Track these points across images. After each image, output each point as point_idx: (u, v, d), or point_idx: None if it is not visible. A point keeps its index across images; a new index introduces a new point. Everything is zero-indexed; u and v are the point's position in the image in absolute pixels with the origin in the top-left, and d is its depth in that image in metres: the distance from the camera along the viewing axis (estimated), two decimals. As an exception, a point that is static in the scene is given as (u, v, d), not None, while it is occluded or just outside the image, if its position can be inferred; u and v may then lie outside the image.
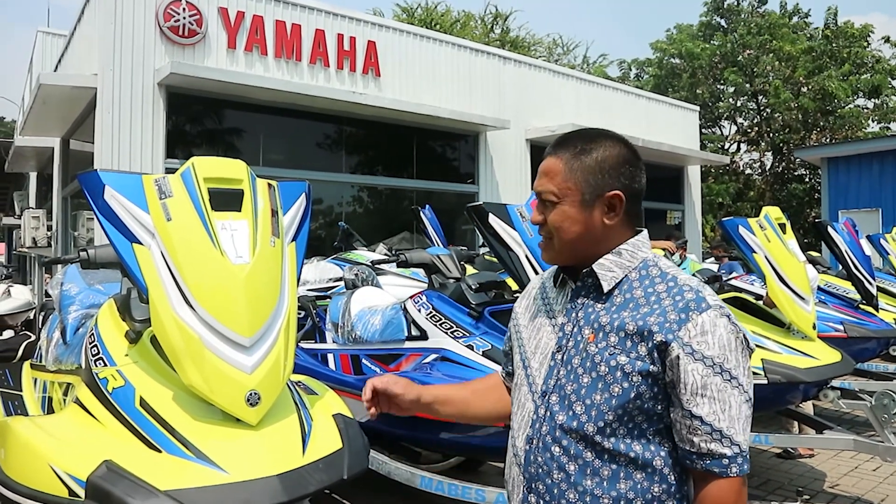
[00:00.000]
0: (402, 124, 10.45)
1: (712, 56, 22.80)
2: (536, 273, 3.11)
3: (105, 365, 2.36)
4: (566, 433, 1.33)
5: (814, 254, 7.77)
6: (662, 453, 1.30)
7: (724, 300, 4.62)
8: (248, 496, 1.96)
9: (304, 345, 4.67)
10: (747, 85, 22.29)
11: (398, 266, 4.04)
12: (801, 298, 4.26)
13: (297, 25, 9.37)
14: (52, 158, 12.12)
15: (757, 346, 4.13)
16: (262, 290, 2.28)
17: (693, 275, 4.90)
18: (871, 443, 3.97)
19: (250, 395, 2.14)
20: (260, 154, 9.34)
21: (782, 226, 4.47)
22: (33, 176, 16.01)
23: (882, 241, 7.44)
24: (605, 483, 1.30)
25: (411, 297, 3.81)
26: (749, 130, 24.23)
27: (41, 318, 4.58)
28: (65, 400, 2.70)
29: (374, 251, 6.69)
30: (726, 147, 24.31)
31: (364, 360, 4.04)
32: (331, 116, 9.87)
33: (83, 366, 2.47)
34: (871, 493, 4.44)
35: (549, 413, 1.36)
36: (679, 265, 5.09)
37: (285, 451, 2.14)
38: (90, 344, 2.48)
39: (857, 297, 5.89)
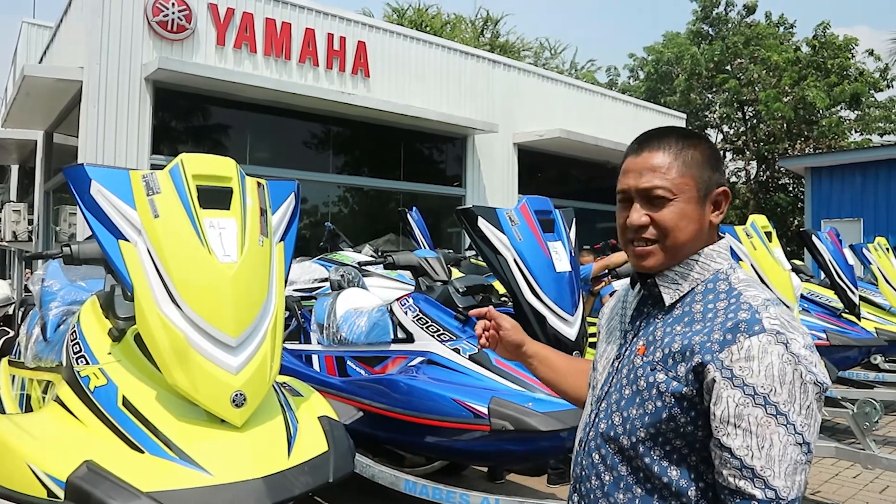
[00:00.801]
0: (390, 125, 10.43)
1: (708, 62, 22.96)
2: (525, 277, 3.11)
3: (87, 363, 2.32)
4: (605, 442, 1.29)
5: (797, 262, 7.83)
6: (701, 485, 1.20)
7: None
8: (232, 498, 1.93)
9: (288, 345, 4.63)
10: (744, 90, 22.46)
11: (385, 268, 4.01)
12: (786, 306, 4.28)
13: (287, 24, 9.33)
14: (34, 151, 11.97)
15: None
16: (250, 289, 2.25)
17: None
18: (853, 450, 4.00)
19: (236, 395, 2.11)
20: (247, 152, 9.28)
21: (768, 234, 4.50)
22: (15, 168, 15.81)
23: (864, 250, 7.51)
24: (636, 501, 1.24)
25: (398, 300, 3.79)
26: (735, 139, 24.43)
27: (20, 313, 4.51)
28: (44, 398, 2.66)
29: (360, 252, 6.66)
30: (712, 156, 24.41)
31: (349, 362, 4.01)
32: (319, 116, 9.83)
33: (64, 363, 2.43)
34: (852, 500, 4.48)
35: (596, 419, 1.33)
36: None
37: (270, 454, 2.12)
38: (72, 341, 2.44)
39: (840, 305, 5.95)
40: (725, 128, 25.02)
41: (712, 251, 1.29)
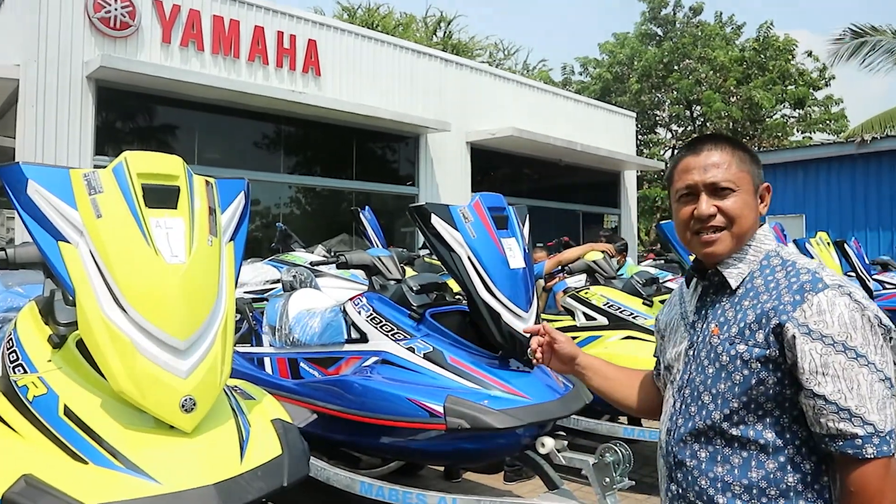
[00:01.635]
0: (342, 125, 10.34)
1: (658, 62, 23.38)
2: (479, 274, 3.10)
3: (25, 372, 2.21)
4: (697, 422, 1.37)
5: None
6: (797, 441, 1.29)
7: (660, 301, 4.78)
8: (182, 507, 1.87)
9: (239, 348, 4.54)
10: (692, 89, 22.92)
11: (338, 267, 3.96)
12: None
13: (236, 21, 9.16)
14: (-31, 153, 11.50)
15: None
16: (199, 290, 2.18)
17: (630, 278, 5.02)
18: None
19: (185, 400, 2.04)
20: (195, 152, 9.08)
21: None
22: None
23: (807, 245, 7.72)
24: (735, 471, 1.32)
25: (351, 299, 3.74)
26: (684, 138, 24.95)
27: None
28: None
29: (312, 253, 6.57)
30: (662, 153, 24.96)
31: (302, 364, 3.95)
32: (269, 115, 9.68)
33: (0, 373, 2.32)
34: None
35: (683, 405, 1.42)
36: (617, 270, 5.17)
37: (222, 459, 2.06)
38: (8, 350, 2.33)
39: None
40: (675, 126, 25.54)
41: (760, 235, 1.43)
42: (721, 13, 24.42)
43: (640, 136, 23.09)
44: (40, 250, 2.12)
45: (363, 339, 3.56)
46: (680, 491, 1.41)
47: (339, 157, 10.85)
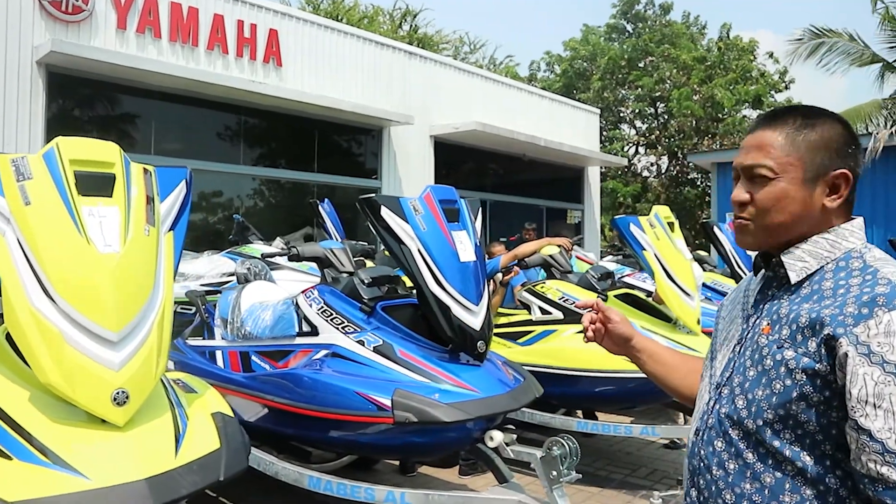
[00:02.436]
0: (304, 116, 10.22)
1: (620, 58, 23.61)
2: (429, 267, 3.08)
3: (-50, 364, 2.14)
4: (729, 427, 1.22)
5: (702, 253, 8.13)
6: (839, 472, 1.11)
7: (614, 296, 4.83)
8: (112, 502, 1.82)
9: (191, 341, 4.46)
10: (656, 87, 23.21)
11: (290, 260, 3.90)
12: (687, 295, 4.43)
13: (195, 9, 8.98)
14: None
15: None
16: (134, 281, 2.13)
17: (586, 272, 5.05)
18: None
19: (117, 393, 1.99)
20: (152, 142, 8.88)
21: (671, 224, 4.64)
22: None
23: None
24: (766, 491, 1.15)
25: (303, 292, 3.70)
26: (648, 134, 25.24)
27: None
28: None
29: (270, 245, 6.49)
30: (626, 149, 25.24)
31: (253, 357, 3.89)
32: (229, 105, 9.52)
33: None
34: None
35: (717, 405, 1.26)
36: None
37: (155, 453, 2.01)
38: (-68, 342, 2.25)
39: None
40: (639, 123, 25.84)
41: (844, 230, 1.23)
42: (689, 13, 24.85)
43: (604, 133, 23.29)
44: (-36, 238, 2.05)
45: (314, 332, 3.52)
46: (701, 499, 1.26)
47: (300, 150, 10.73)
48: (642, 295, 5.15)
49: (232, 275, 5.65)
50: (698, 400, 1.36)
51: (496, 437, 3.04)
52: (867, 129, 13.53)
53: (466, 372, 3.11)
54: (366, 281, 3.47)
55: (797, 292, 1.21)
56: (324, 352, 3.37)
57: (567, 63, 25.35)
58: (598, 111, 17.90)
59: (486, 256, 5.89)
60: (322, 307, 3.48)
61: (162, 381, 2.36)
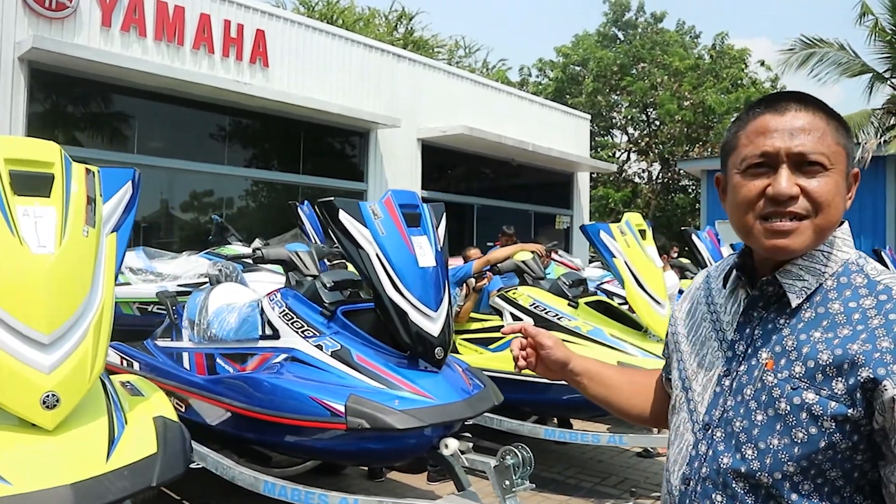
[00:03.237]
0: (291, 118, 10.19)
1: (612, 64, 23.66)
2: (387, 272, 3.05)
3: None
4: (733, 480, 1.05)
5: (684, 260, 8.12)
6: None
7: (586, 303, 4.81)
8: (35, 508, 1.79)
9: (160, 343, 4.43)
10: (648, 93, 23.25)
11: (255, 262, 3.88)
12: (657, 303, 4.41)
13: (181, 8, 8.94)
14: None
15: (612, 347, 4.24)
16: (69, 282, 2.10)
17: (557, 279, 5.03)
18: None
19: (47, 396, 1.96)
20: (135, 141, 8.83)
21: (642, 232, 4.62)
22: None
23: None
24: None
25: (268, 295, 3.67)
26: (639, 141, 25.27)
27: None
28: None
29: (249, 246, 6.45)
30: (617, 155, 25.27)
31: (219, 360, 3.86)
32: (214, 106, 9.48)
33: None
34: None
35: (711, 452, 1.09)
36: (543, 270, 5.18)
37: (85, 458, 1.98)
38: None
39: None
40: (630, 129, 25.86)
41: (836, 238, 1.08)
42: (684, 22, 24.93)
43: (595, 139, 23.32)
44: None
45: (275, 335, 3.49)
46: None
47: (286, 151, 10.69)
48: (617, 303, 5.13)
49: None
50: (676, 438, 1.19)
51: (451, 445, 3.01)
52: (857, 139, 13.55)
53: (423, 378, 3.08)
54: (328, 285, 3.44)
55: (797, 316, 1.05)
56: (283, 356, 3.34)
57: (559, 70, 25.40)
58: (589, 116, 17.89)
59: (464, 260, 5.88)
60: (284, 310, 3.46)
61: (103, 383, 2.32)
